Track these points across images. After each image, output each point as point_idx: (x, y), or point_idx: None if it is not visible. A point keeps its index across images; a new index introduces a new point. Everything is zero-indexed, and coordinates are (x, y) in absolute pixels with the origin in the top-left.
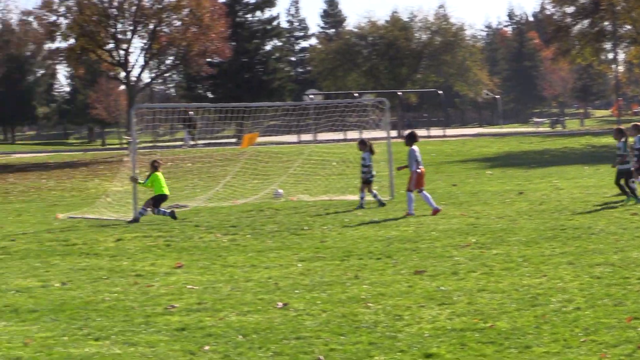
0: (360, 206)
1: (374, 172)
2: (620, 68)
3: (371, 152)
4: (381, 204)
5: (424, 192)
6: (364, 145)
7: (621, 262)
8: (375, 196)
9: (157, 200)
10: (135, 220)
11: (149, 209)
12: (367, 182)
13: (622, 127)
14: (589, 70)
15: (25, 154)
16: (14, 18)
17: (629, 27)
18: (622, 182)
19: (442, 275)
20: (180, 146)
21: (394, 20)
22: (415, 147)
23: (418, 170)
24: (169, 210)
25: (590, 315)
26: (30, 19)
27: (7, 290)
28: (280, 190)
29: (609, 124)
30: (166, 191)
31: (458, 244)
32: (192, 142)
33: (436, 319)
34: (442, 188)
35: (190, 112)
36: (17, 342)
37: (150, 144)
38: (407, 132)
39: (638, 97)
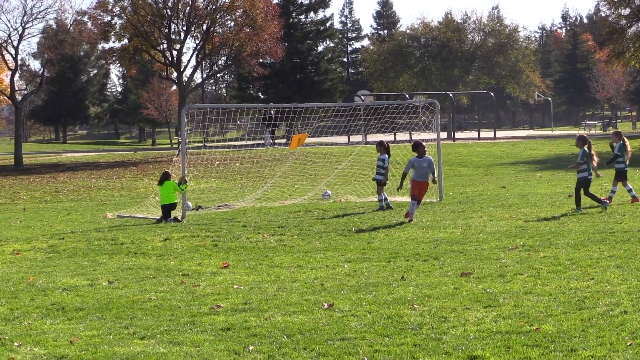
0: (388, 206)
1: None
2: None
3: (389, 154)
4: (381, 208)
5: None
6: (382, 147)
7: None
8: (380, 200)
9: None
10: (160, 220)
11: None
12: (382, 184)
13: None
14: None
15: (76, 153)
16: (68, 18)
17: None
18: (581, 192)
19: (488, 278)
20: (261, 145)
21: (447, 22)
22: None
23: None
24: (172, 217)
25: (637, 319)
26: (85, 19)
27: (55, 289)
28: (329, 191)
29: None
30: (163, 200)
31: (506, 246)
32: (271, 142)
33: (482, 321)
34: (491, 190)
35: (271, 112)
36: (63, 340)
37: (201, 144)
38: (417, 141)
39: None
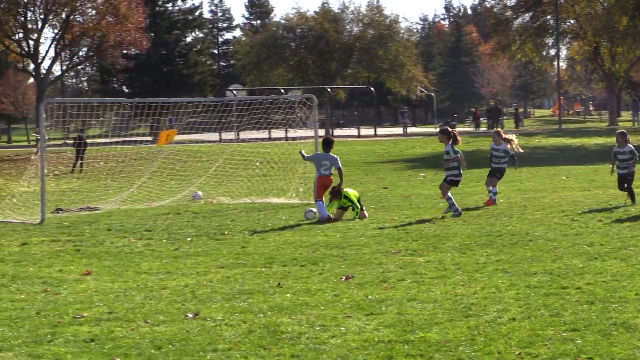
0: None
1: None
2: (563, 65)
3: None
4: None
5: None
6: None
7: (559, 270)
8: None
9: None
10: None
11: None
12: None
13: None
14: (529, 67)
15: None
16: None
17: (572, 21)
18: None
19: (370, 284)
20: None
21: (324, 12)
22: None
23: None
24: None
25: (526, 326)
26: None
27: None
28: (199, 192)
29: (549, 124)
30: None
31: (388, 250)
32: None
33: (363, 330)
34: (372, 191)
35: None
36: None
37: (61, 141)
38: (325, 137)
39: (580, 96)
